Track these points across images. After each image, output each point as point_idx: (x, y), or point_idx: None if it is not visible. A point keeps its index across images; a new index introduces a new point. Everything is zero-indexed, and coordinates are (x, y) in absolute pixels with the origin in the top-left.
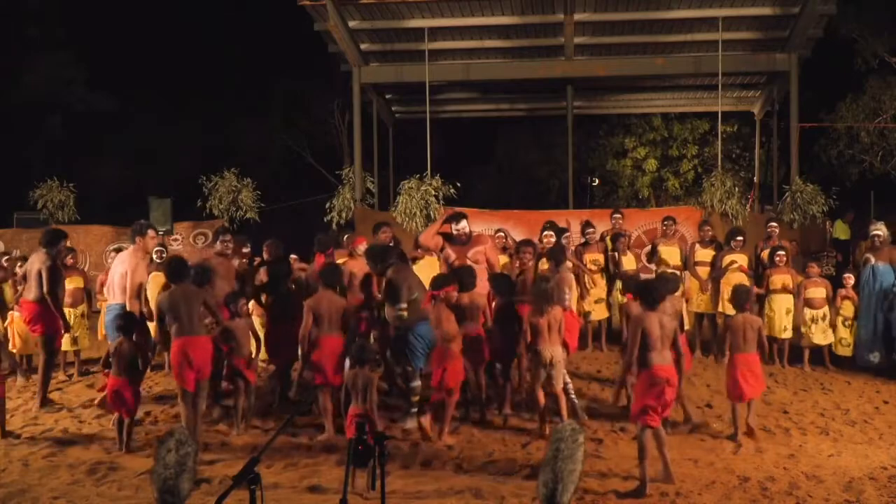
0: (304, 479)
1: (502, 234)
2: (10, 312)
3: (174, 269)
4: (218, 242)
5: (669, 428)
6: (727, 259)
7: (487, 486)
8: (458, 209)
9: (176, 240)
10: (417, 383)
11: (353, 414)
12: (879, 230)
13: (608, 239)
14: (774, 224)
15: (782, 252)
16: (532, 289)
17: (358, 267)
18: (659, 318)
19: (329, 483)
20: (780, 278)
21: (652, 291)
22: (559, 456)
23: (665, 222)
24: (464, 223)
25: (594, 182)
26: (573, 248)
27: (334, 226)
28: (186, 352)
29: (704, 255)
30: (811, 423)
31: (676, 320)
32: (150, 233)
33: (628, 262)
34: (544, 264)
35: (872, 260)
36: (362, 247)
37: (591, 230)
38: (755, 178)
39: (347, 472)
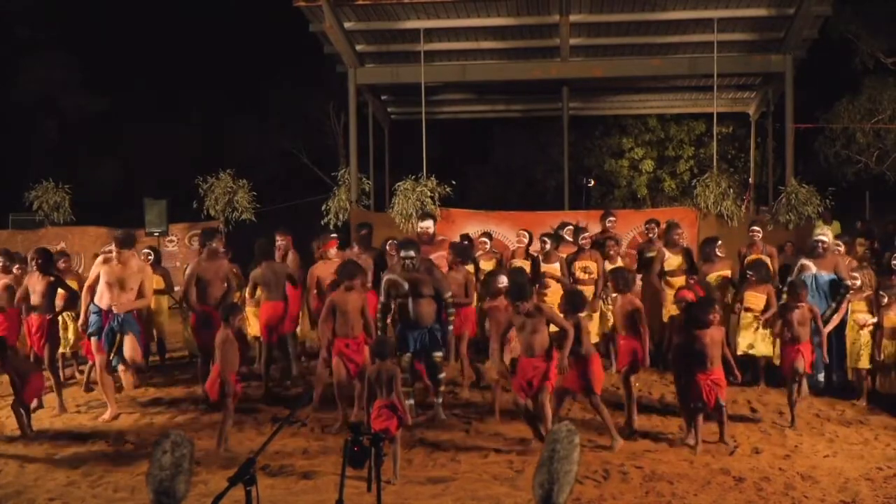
0: (300, 480)
1: (525, 234)
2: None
3: (263, 249)
4: (214, 242)
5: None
6: (714, 275)
7: (483, 487)
8: (453, 209)
9: (171, 241)
10: (444, 375)
11: (379, 406)
12: (824, 236)
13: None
14: (757, 228)
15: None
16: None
17: (325, 271)
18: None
19: (325, 484)
20: (750, 295)
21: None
22: (555, 457)
23: (647, 225)
24: (427, 222)
25: (590, 183)
26: (565, 255)
27: (331, 227)
28: (276, 311)
29: (673, 261)
30: (807, 423)
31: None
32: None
33: None
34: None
35: (813, 268)
36: (333, 251)
37: (583, 235)
38: (751, 179)
39: (343, 473)
